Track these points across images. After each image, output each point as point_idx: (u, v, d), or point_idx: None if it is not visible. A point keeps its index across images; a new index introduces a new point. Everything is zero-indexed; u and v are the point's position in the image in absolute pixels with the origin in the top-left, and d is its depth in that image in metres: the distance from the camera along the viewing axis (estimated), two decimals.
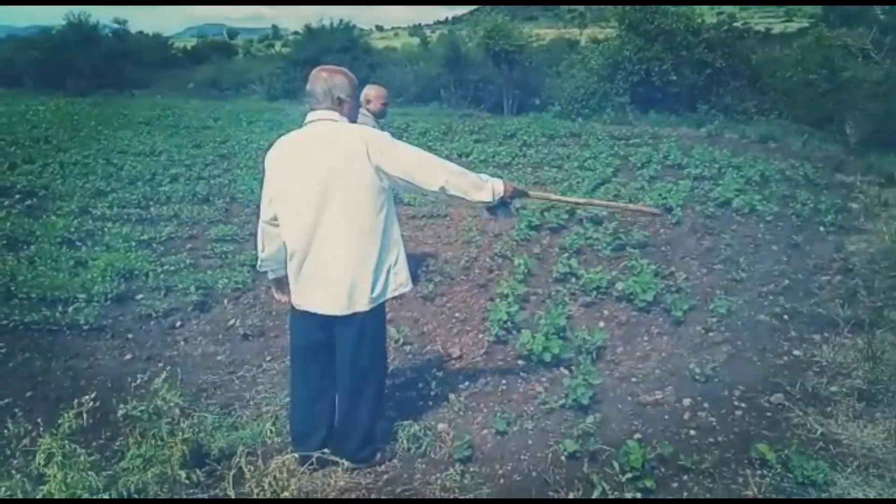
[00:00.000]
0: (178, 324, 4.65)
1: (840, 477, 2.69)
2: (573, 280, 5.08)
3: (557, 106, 16.03)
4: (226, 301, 5.02)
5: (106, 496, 2.33)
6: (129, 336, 4.46)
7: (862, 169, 8.74)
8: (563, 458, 2.89)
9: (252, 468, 2.64)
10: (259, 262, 2.93)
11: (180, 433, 2.73)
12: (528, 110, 16.72)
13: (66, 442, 2.38)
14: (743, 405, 3.29)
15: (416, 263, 5.39)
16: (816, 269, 5.21)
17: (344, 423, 2.85)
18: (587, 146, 10.90)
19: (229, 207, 7.65)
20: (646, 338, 4.20)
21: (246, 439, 3.03)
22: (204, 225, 6.96)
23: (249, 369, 4.00)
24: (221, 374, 3.96)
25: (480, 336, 4.29)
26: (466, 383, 3.69)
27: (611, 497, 2.61)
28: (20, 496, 2.30)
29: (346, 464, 2.83)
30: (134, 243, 6.15)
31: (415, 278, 4.20)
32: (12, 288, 4.99)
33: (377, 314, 2.76)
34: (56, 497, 2.26)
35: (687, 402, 3.34)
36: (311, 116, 2.67)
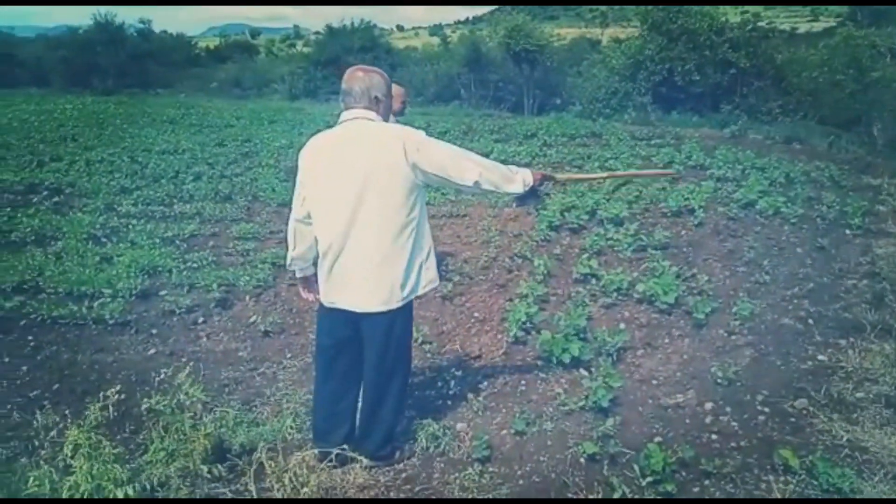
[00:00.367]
0: (201, 320, 4.71)
1: (867, 485, 2.64)
2: (593, 281, 5.05)
3: (578, 106, 15.95)
4: (247, 298, 5.07)
5: (130, 489, 2.37)
6: (153, 331, 4.52)
7: (890, 171, 8.55)
8: (582, 460, 2.87)
9: (273, 464, 2.67)
10: (289, 261, 2.94)
11: (202, 428, 2.77)
12: (548, 110, 16.67)
13: (93, 434, 2.42)
14: (766, 410, 3.24)
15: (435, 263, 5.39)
16: (842, 272, 5.12)
17: (367, 421, 2.87)
18: (608, 146, 10.83)
19: (251, 206, 7.73)
20: (667, 340, 4.16)
21: (266, 435, 3.06)
22: (226, 223, 7.04)
23: (270, 366, 4.04)
24: (243, 370, 4.00)
25: (499, 336, 4.28)
26: (485, 383, 3.69)
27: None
28: (48, 486, 2.34)
29: (366, 461, 2.85)
30: (158, 240, 6.24)
31: None
32: (40, 282, 5.10)
33: (406, 313, 2.77)
34: (81, 487, 2.30)
35: (709, 405, 3.30)
36: (346, 115, 2.68)
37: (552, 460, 2.91)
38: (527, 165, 9.53)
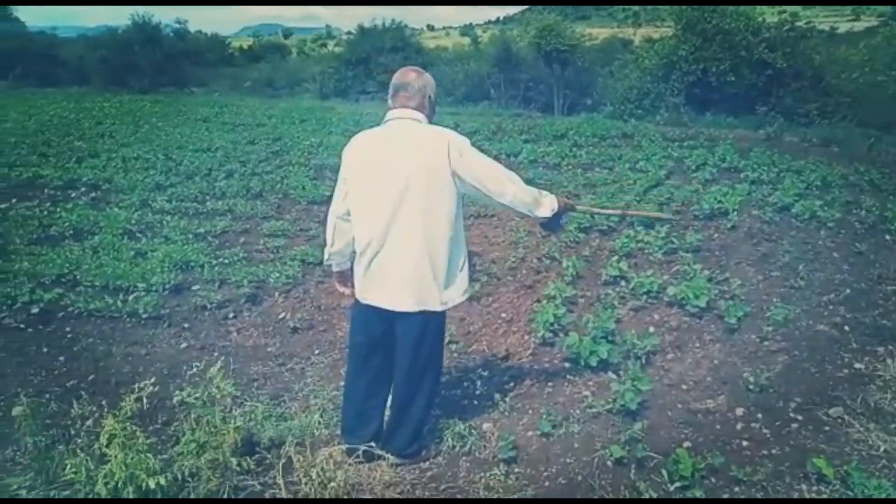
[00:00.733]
0: (232, 315, 4.79)
1: None
2: (623, 283, 4.99)
3: (609, 106, 15.76)
4: (277, 294, 5.13)
5: (162, 478, 2.42)
6: (185, 325, 4.62)
7: None
8: (609, 463, 2.84)
9: (300, 458, 2.70)
10: (326, 256, 2.96)
11: (232, 421, 2.80)
12: (579, 111, 16.50)
13: (127, 424, 2.47)
14: (799, 417, 3.17)
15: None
16: (881, 278, 4.97)
17: (395, 419, 2.89)
18: (640, 147, 10.67)
19: (281, 203, 7.81)
20: (697, 344, 4.09)
21: (294, 430, 3.10)
22: (257, 220, 7.14)
23: (298, 362, 4.09)
24: (272, 365, 4.06)
25: (526, 337, 4.26)
26: (512, 384, 3.68)
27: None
28: (84, 474, 2.41)
29: (392, 459, 2.86)
30: (191, 236, 6.37)
31: None
32: (77, 276, 5.24)
33: (440, 314, 2.79)
34: (115, 475, 2.36)
35: (740, 411, 3.24)
36: (393, 114, 2.69)
37: (578, 463, 2.88)
38: (556, 166, 9.50)
